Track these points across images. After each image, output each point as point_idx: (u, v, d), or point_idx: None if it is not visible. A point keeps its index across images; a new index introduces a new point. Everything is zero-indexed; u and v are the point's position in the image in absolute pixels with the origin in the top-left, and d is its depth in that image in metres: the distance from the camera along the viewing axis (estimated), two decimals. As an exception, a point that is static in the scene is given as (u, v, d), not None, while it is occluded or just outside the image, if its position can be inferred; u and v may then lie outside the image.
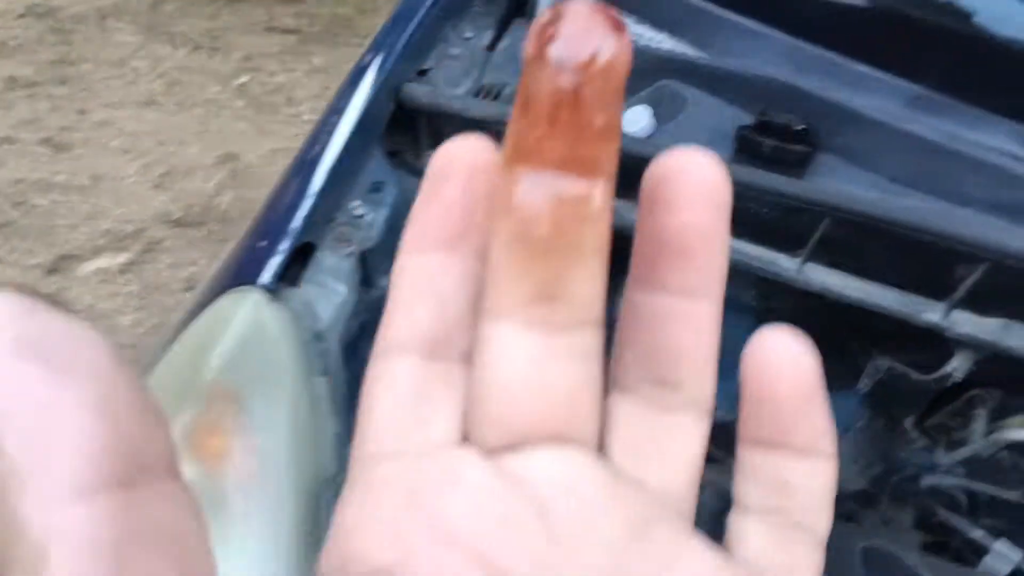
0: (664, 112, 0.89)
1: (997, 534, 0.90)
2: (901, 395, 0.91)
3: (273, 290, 0.72)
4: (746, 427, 0.23)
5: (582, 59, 0.19)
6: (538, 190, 0.19)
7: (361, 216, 0.82)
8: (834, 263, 0.82)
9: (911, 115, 0.85)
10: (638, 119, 0.88)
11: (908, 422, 0.96)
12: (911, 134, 0.80)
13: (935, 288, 0.81)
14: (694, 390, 0.23)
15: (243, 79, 3.02)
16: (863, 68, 0.89)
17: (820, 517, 0.24)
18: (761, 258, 0.86)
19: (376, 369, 0.22)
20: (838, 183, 0.83)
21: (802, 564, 0.23)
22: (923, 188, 0.81)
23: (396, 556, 0.20)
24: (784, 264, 0.86)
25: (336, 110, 0.86)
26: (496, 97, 0.93)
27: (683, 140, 0.87)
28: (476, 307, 0.21)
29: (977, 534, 0.90)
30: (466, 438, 0.21)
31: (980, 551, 0.90)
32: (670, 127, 0.88)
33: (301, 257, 0.77)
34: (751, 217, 0.85)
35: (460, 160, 0.22)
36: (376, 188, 0.85)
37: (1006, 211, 0.80)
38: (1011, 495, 0.97)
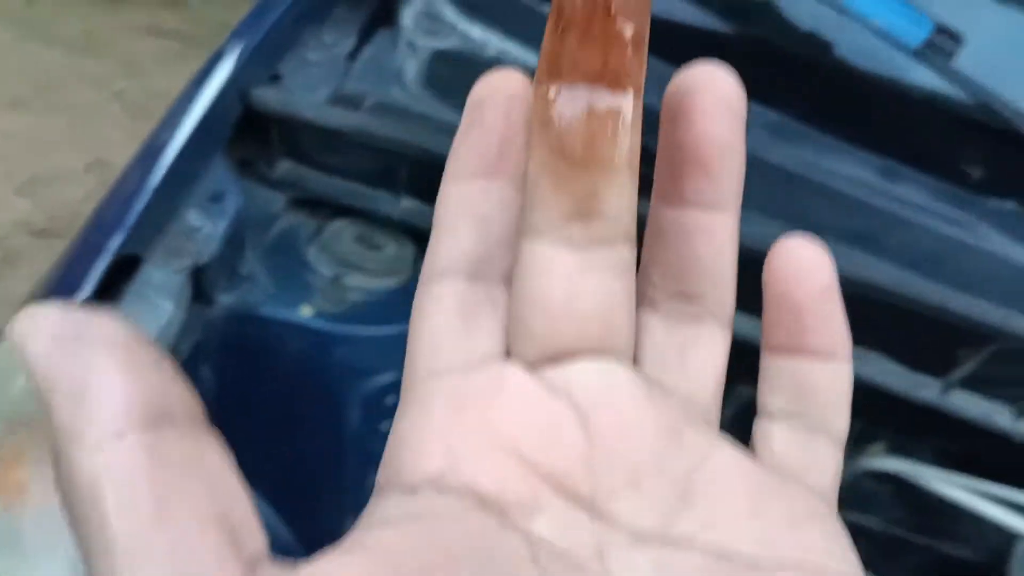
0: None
1: (865, 564, 0.90)
2: (749, 417, 0.90)
3: (88, 307, 0.65)
4: (768, 333, 0.25)
5: None
6: (572, 104, 0.20)
7: (198, 228, 0.76)
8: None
9: (771, 143, 0.84)
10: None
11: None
12: (767, 162, 0.80)
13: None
14: (715, 301, 0.24)
15: (121, 84, 2.89)
16: (727, 94, 0.88)
17: (839, 418, 0.25)
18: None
19: (423, 293, 0.24)
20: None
21: (823, 462, 0.24)
22: (777, 215, 0.81)
23: (446, 462, 0.21)
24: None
25: (177, 112, 0.80)
26: (356, 108, 0.89)
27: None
28: (516, 230, 0.22)
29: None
30: (509, 353, 0.22)
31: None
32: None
33: (125, 271, 0.71)
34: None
35: (499, 89, 0.23)
36: (217, 198, 0.79)
37: (859, 239, 0.79)
38: (872, 523, 0.98)
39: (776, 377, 0.25)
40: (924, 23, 0.83)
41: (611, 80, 0.20)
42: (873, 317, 0.78)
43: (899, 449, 0.95)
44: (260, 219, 0.87)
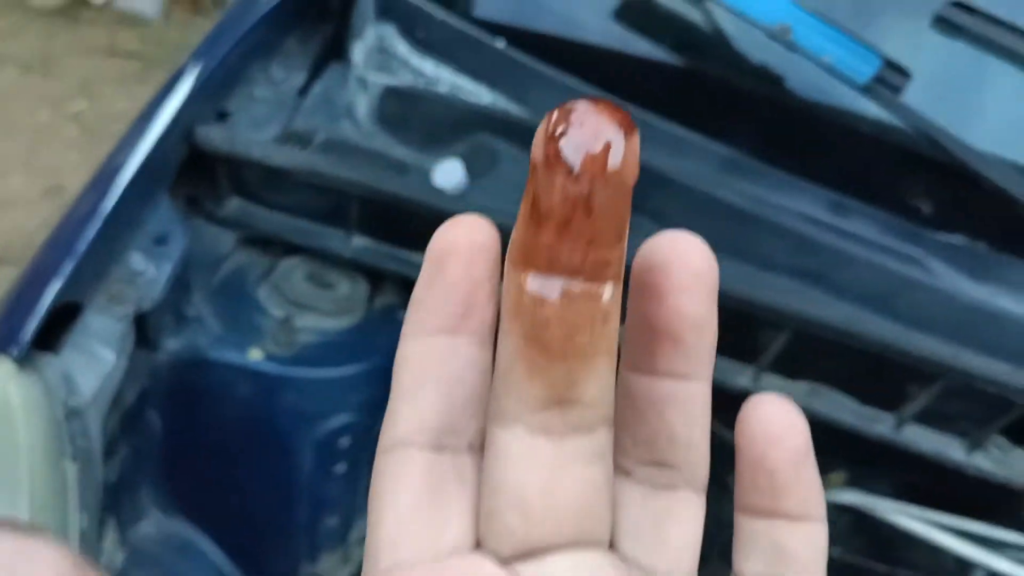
0: (478, 167, 0.85)
1: None
2: (725, 457, 0.90)
3: (24, 358, 0.64)
4: (742, 494, 0.24)
5: (595, 165, 0.18)
6: (547, 293, 0.19)
7: (141, 272, 0.75)
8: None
9: (721, 179, 0.84)
10: (452, 174, 0.84)
11: (732, 480, 0.95)
12: (719, 200, 0.80)
13: (745, 353, 0.80)
14: (689, 469, 0.24)
15: (78, 105, 2.85)
16: (677, 129, 0.88)
17: None
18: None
19: (383, 466, 0.22)
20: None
21: None
22: (730, 252, 0.80)
23: None
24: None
25: (120, 151, 0.79)
26: (306, 145, 0.88)
27: (497, 196, 0.84)
28: (482, 393, 0.22)
29: None
30: (480, 543, 0.21)
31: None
32: (484, 183, 0.85)
33: (63, 318, 0.69)
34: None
35: (462, 240, 0.22)
36: (161, 240, 0.78)
37: (808, 277, 0.80)
38: (831, 552, 0.97)
39: (752, 540, 0.24)
40: (872, 59, 0.84)
41: (590, 274, 0.19)
42: (826, 353, 0.78)
43: (858, 481, 0.95)
44: (208, 258, 0.86)
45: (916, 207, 0.86)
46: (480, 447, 0.22)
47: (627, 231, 0.20)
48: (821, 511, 0.24)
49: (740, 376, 0.81)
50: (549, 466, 0.21)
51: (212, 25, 0.91)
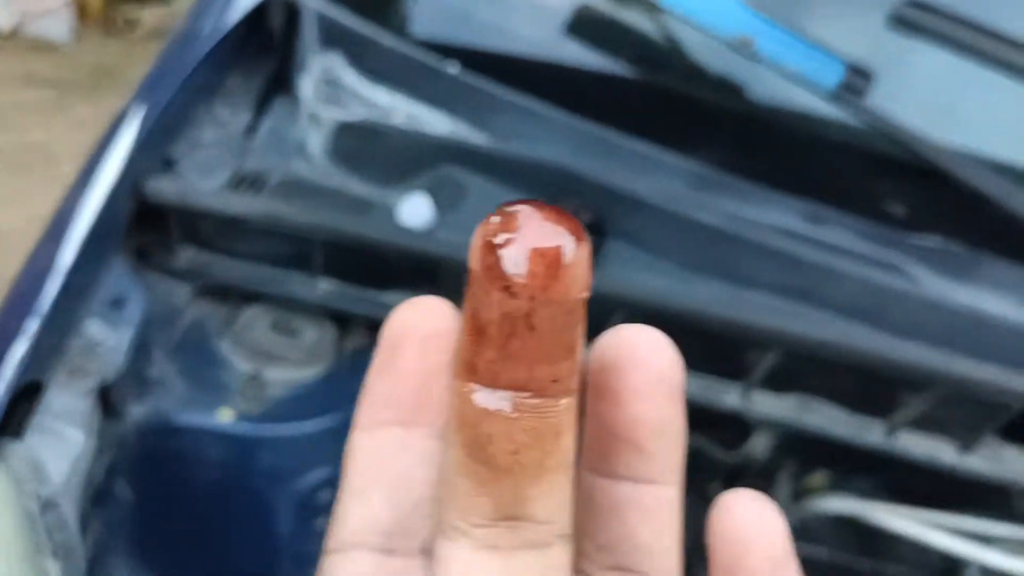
0: (445, 201, 0.82)
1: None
2: (710, 471, 0.88)
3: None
4: None
5: (537, 281, 0.17)
6: (493, 406, 0.18)
7: (101, 341, 0.70)
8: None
9: (694, 196, 0.82)
10: (418, 210, 0.81)
11: (714, 490, 0.94)
12: (694, 220, 0.78)
13: (733, 372, 0.79)
14: (659, 574, 0.22)
15: (-5, 139, 2.73)
16: (644, 146, 0.86)
17: None
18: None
19: (330, 568, 0.21)
20: (630, 272, 0.80)
21: None
22: (712, 273, 0.79)
23: None
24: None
25: (66, 212, 0.74)
26: (260, 188, 0.83)
27: (467, 231, 0.81)
28: (435, 492, 0.20)
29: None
30: None
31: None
32: (453, 217, 0.82)
33: (25, 400, 0.64)
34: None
35: (414, 326, 0.21)
36: (117, 304, 0.73)
37: (792, 293, 0.78)
38: (818, 553, 0.97)
39: None
40: (836, 65, 0.83)
41: (537, 388, 0.17)
42: (815, 368, 0.77)
43: (843, 483, 0.95)
44: (164, 313, 0.81)
45: (891, 211, 0.85)
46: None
47: (580, 343, 0.18)
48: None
49: (728, 394, 0.80)
50: None
51: (127, 47, 0.86)
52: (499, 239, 0.17)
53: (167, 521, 0.79)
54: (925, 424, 0.79)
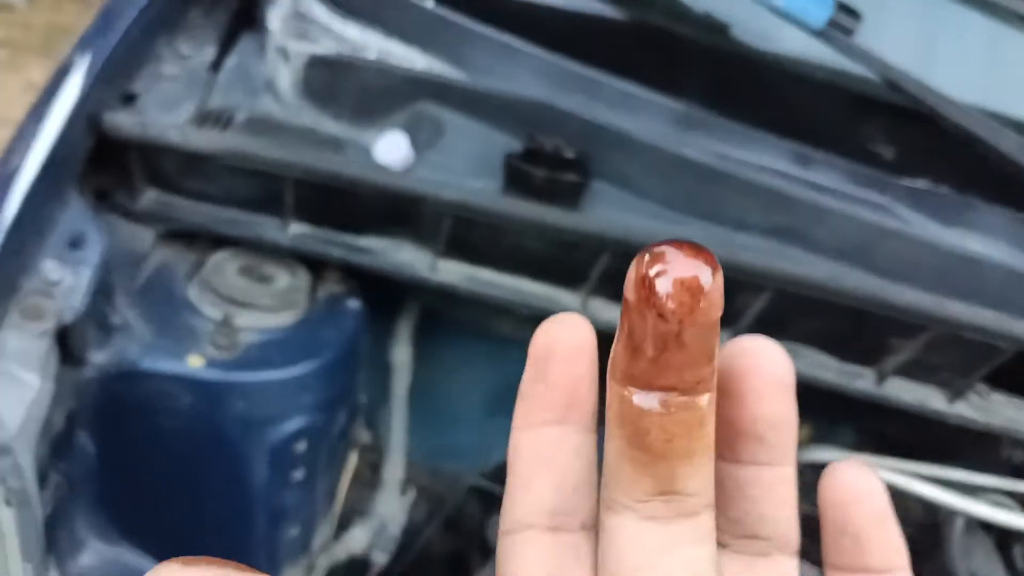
0: (423, 139, 0.79)
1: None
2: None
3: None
4: (829, 553, 0.26)
5: (685, 309, 0.20)
6: (648, 405, 0.21)
7: (57, 282, 0.66)
8: (618, 297, 0.76)
9: (679, 135, 0.80)
10: (396, 148, 0.77)
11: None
12: (681, 158, 0.75)
13: (723, 317, 0.77)
14: (781, 539, 0.25)
15: (-56, 99, 2.62)
16: (626, 85, 0.83)
17: None
18: (541, 295, 0.79)
19: (506, 547, 0.24)
20: (614, 212, 0.77)
21: None
22: (699, 214, 0.76)
23: None
24: (566, 301, 0.79)
25: (17, 148, 0.69)
26: (226, 125, 0.79)
27: (446, 170, 0.78)
28: (590, 477, 0.24)
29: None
30: None
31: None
32: (431, 156, 0.78)
33: (-25, 341, 0.60)
34: (529, 254, 0.77)
35: (562, 341, 0.24)
36: (76, 243, 0.69)
37: (780, 234, 0.76)
38: (802, 507, 0.96)
39: None
40: (825, 2, 0.80)
41: (685, 389, 0.21)
42: (805, 312, 0.75)
43: (826, 435, 0.94)
44: (127, 257, 0.77)
45: (878, 153, 0.83)
46: (592, 526, 0.24)
47: (718, 350, 0.21)
48: (905, 562, 0.26)
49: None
50: (658, 549, 0.22)
51: (83, 7, 0.82)
52: (650, 272, 0.20)
53: (133, 474, 0.75)
54: (915, 371, 0.77)
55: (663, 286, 0.20)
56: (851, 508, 0.25)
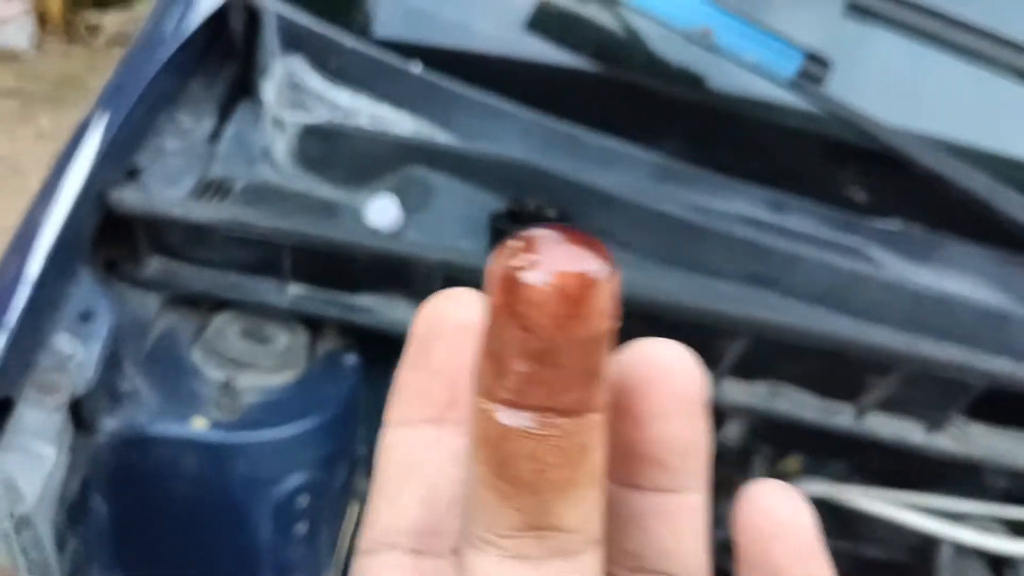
0: (412, 202, 0.82)
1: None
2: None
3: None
4: None
5: (557, 322, 0.15)
6: (515, 424, 0.17)
7: (70, 355, 0.70)
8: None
9: (657, 188, 0.83)
10: (385, 211, 0.81)
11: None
12: (660, 212, 0.79)
13: (704, 361, 0.80)
14: (687, 575, 0.21)
15: (-40, 151, 2.69)
16: (606, 140, 0.87)
17: None
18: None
19: (362, 569, 0.21)
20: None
21: None
22: (678, 264, 0.80)
23: None
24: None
25: (31, 224, 0.73)
26: (225, 195, 0.83)
27: (436, 232, 0.82)
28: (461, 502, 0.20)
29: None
30: None
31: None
32: (420, 218, 0.82)
33: (-6, 417, 0.64)
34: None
35: (446, 319, 0.21)
36: (86, 317, 0.73)
37: (758, 282, 0.79)
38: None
39: None
40: (794, 54, 0.84)
41: (563, 411, 0.17)
42: (783, 354, 0.78)
43: (817, 466, 0.96)
44: (134, 325, 0.81)
45: (851, 196, 0.86)
46: None
47: (607, 365, 0.17)
48: None
49: (699, 385, 0.81)
50: None
51: (89, 54, 0.86)
52: (516, 272, 0.16)
53: (145, 534, 0.79)
54: (893, 405, 0.80)
55: (531, 290, 0.16)
56: (771, 542, 0.21)
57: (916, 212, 0.85)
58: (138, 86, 0.83)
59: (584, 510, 0.18)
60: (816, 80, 0.85)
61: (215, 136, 0.88)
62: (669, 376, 0.20)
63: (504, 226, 0.77)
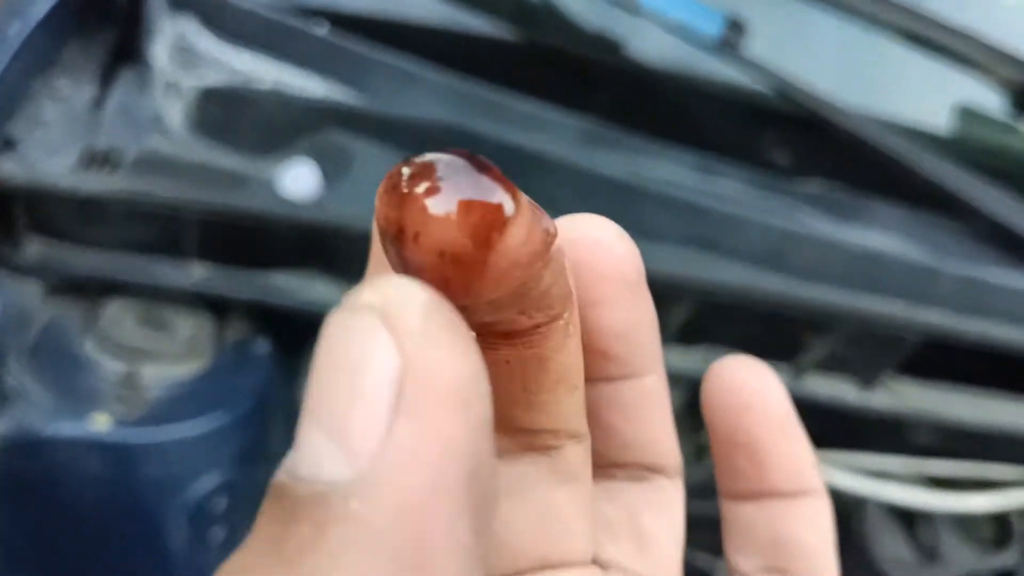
0: (330, 169, 0.76)
1: (715, 551, 0.89)
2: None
3: None
4: (722, 479, 0.22)
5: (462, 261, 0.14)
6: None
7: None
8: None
9: (587, 152, 0.80)
10: (302, 179, 0.74)
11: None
12: (595, 174, 0.76)
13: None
14: (656, 459, 0.21)
15: None
16: (529, 106, 0.83)
17: (827, 566, 0.21)
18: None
19: None
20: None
21: None
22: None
23: None
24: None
25: None
26: (115, 167, 0.74)
27: (358, 200, 0.76)
28: None
29: (701, 560, 0.88)
30: None
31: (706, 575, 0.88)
32: (341, 186, 0.76)
33: None
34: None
35: None
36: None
37: (697, 244, 0.78)
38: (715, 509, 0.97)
39: (745, 531, 0.21)
40: (716, 17, 0.83)
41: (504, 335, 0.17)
42: (723, 317, 0.77)
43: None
44: (15, 315, 0.71)
45: (775, 160, 0.86)
46: None
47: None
48: (818, 482, 0.22)
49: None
50: (504, 492, 0.18)
51: None
52: (406, 201, 0.13)
53: (44, 546, 0.69)
54: (829, 365, 0.80)
55: (429, 219, 0.13)
56: (744, 416, 0.21)
57: (838, 173, 0.86)
58: (8, 48, 0.73)
59: (560, 410, 0.18)
60: (736, 44, 0.84)
61: (98, 104, 0.79)
62: (598, 258, 0.19)
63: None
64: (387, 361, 0.13)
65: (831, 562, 0.22)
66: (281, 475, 0.15)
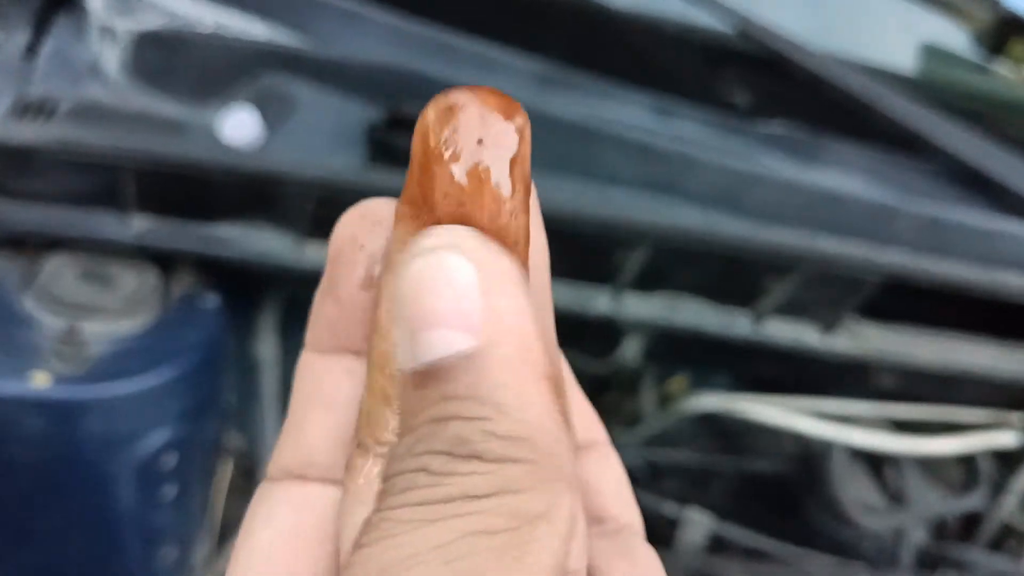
0: (272, 115, 0.73)
1: (681, 500, 0.88)
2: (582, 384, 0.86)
3: None
4: None
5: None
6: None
7: None
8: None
9: (542, 94, 0.78)
10: (244, 126, 0.72)
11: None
12: (550, 116, 0.73)
13: (602, 275, 0.76)
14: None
15: None
16: (482, 47, 0.80)
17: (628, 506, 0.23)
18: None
19: (263, 494, 0.21)
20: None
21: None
22: (574, 172, 0.75)
23: None
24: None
25: None
26: (50, 115, 0.71)
27: (301, 146, 0.73)
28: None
29: (668, 508, 0.87)
30: None
31: (674, 523, 0.87)
32: (283, 132, 0.73)
33: None
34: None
35: (358, 236, 0.21)
36: None
37: (655, 186, 0.76)
38: (681, 457, 0.97)
39: None
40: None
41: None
42: (683, 262, 0.75)
43: (702, 384, 0.95)
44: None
45: (733, 101, 0.84)
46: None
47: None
48: (603, 433, 0.24)
49: (598, 299, 0.77)
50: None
51: None
52: (445, 136, 0.20)
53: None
54: (789, 309, 0.79)
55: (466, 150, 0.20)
56: None
57: (797, 113, 0.84)
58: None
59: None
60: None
61: (31, 51, 0.75)
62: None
63: (386, 137, 0.70)
64: (467, 268, 0.19)
65: (631, 500, 0.24)
66: (409, 367, 0.19)
